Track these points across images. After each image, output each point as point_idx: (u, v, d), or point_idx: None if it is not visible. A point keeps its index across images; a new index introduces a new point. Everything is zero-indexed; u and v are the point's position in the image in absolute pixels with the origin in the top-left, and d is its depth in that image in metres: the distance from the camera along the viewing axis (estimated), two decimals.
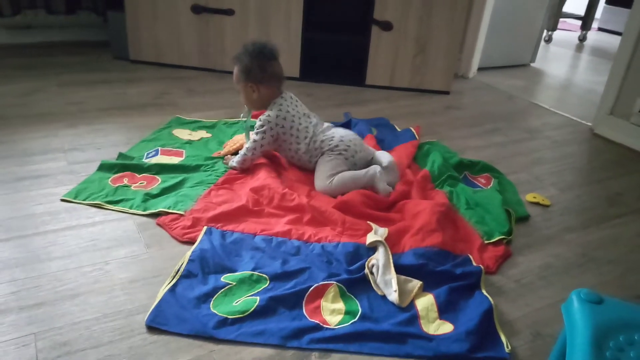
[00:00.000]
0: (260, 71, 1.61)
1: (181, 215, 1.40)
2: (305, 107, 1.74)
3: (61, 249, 1.26)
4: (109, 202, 1.45)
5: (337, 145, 1.62)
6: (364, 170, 1.59)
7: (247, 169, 1.65)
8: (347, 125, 2.12)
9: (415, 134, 2.03)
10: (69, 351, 0.97)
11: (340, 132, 1.67)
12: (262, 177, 1.58)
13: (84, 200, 1.46)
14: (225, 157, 1.73)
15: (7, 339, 0.99)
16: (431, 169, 1.73)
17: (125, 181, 1.56)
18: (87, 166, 1.65)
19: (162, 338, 1.02)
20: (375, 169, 1.58)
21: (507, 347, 1.06)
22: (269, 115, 1.62)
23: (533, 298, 1.24)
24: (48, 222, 1.36)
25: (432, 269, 1.24)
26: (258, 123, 1.63)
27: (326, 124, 1.75)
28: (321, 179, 1.59)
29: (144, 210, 1.42)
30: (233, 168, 1.66)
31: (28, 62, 2.69)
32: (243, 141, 1.75)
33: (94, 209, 1.43)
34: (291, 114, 1.63)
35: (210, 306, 1.10)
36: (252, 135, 1.64)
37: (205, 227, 1.35)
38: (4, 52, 2.83)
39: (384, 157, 1.66)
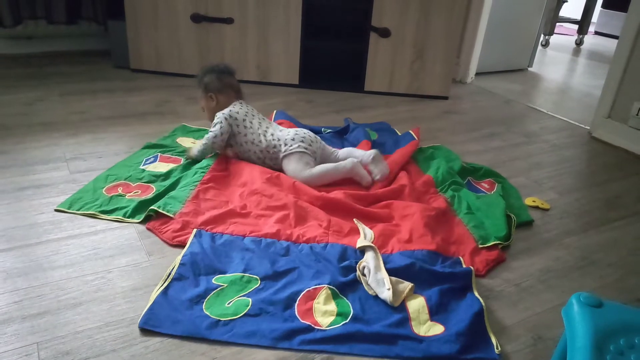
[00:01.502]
0: (218, 81, 1.84)
1: (170, 218, 1.41)
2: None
3: (63, 257, 1.27)
4: (103, 212, 1.45)
5: (292, 139, 1.71)
6: (344, 162, 1.68)
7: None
8: (344, 130, 2.14)
9: (413, 135, 2.04)
10: None
11: (300, 132, 1.75)
12: (249, 180, 1.61)
13: (78, 210, 1.46)
14: (187, 150, 1.80)
15: (10, 349, 0.99)
16: (435, 174, 1.74)
17: (120, 190, 1.57)
18: (88, 175, 1.65)
19: (164, 346, 1.03)
20: (352, 159, 1.68)
21: (497, 349, 1.07)
22: (222, 112, 1.77)
23: (533, 302, 1.25)
24: (50, 231, 1.36)
25: (420, 267, 1.25)
26: (215, 119, 1.77)
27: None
28: (299, 175, 1.66)
29: (138, 219, 1.43)
30: (195, 157, 1.75)
31: (30, 72, 2.71)
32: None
33: (94, 219, 1.44)
34: (244, 111, 1.78)
35: (203, 307, 1.12)
36: (211, 129, 1.76)
37: (195, 230, 1.37)
38: (5, 62, 2.84)
39: (367, 152, 1.75)
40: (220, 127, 1.73)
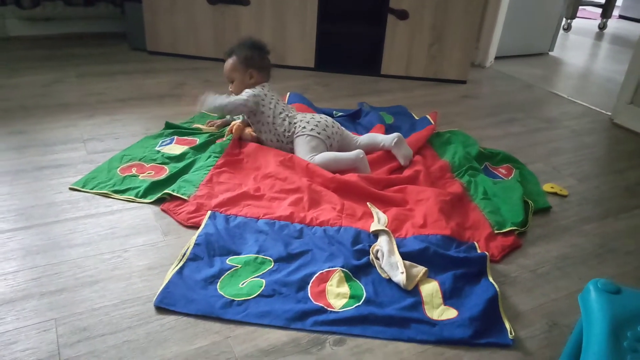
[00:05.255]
0: (260, 60, 1.82)
1: (185, 200, 1.42)
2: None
3: (81, 236, 1.28)
4: (116, 192, 1.47)
5: (308, 122, 1.72)
6: (348, 153, 1.66)
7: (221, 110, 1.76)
8: (357, 114, 2.12)
9: (430, 119, 2.02)
10: (88, 336, 1.00)
11: (316, 117, 1.75)
12: (263, 163, 1.61)
13: (92, 189, 1.48)
14: (201, 100, 1.74)
15: (29, 324, 1.02)
16: (452, 159, 1.73)
17: (134, 171, 1.58)
18: (105, 156, 1.67)
19: (179, 324, 1.04)
20: (358, 153, 1.64)
21: (511, 334, 1.06)
22: (252, 89, 1.76)
23: (550, 288, 1.23)
24: (68, 211, 1.38)
25: (434, 252, 1.25)
26: (243, 94, 1.75)
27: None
28: (302, 158, 1.66)
29: (150, 199, 1.44)
30: (209, 109, 1.75)
31: (48, 53, 2.73)
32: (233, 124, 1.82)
33: (111, 199, 1.46)
34: (270, 94, 1.78)
35: (217, 287, 1.13)
36: (241, 95, 1.75)
37: (209, 212, 1.37)
38: (24, 44, 2.87)
39: (389, 136, 1.74)
40: (247, 100, 1.72)
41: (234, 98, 1.73)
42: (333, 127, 1.74)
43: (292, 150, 1.72)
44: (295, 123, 1.73)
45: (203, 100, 1.72)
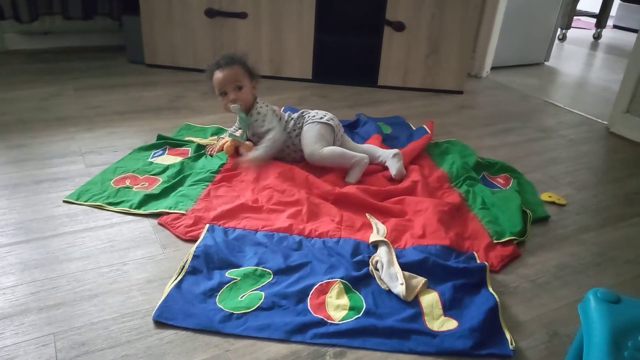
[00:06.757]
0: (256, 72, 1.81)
1: (183, 214, 1.42)
2: None
3: (79, 250, 1.28)
4: (110, 204, 1.47)
5: (321, 117, 1.76)
6: (354, 152, 1.71)
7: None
8: (354, 124, 2.13)
9: (426, 129, 2.02)
10: (87, 351, 0.99)
11: (322, 111, 1.81)
12: (261, 176, 1.61)
13: (86, 201, 1.48)
14: (244, 157, 1.69)
15: (27, 339, 1.01)
16: (450, 169, 1.73)
17: (128, 183, 1.58)
18: (104, 169, 1.67)
19: (179, 338, 1.03)
20: (364, 157, 1.69)
21: (512, 344, 1.06)
22: (267, 106, 1.76)
23: (549, 298, 1.23)
24: (66, 224, 1.38)
25: (434, 262, 1.25)
26: (262, 117, 1.73)
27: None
28: (311, 144, 1.70)
29: (144, 211, 1.44)
30: (262, 158, 1.65)
31: (46, 67, 2.74)
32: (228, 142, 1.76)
33: (110, 212, 1.45)
34: (270, 106, 1.79)
35: (216, 301, 1.12)
36: (270, 127, 1.71)
37: (207, 225, 1.37)
38: (23, 57, 2.88)
39: (389, 150, 1.78)
40: (279, 122, 1.73)
41: (271, 137, 1.68)
42: (341, 128, 1.80)
43: (293, 157, 1.75)
44: (302, 116, 1.77)
45: (251, 159, 1.66)
